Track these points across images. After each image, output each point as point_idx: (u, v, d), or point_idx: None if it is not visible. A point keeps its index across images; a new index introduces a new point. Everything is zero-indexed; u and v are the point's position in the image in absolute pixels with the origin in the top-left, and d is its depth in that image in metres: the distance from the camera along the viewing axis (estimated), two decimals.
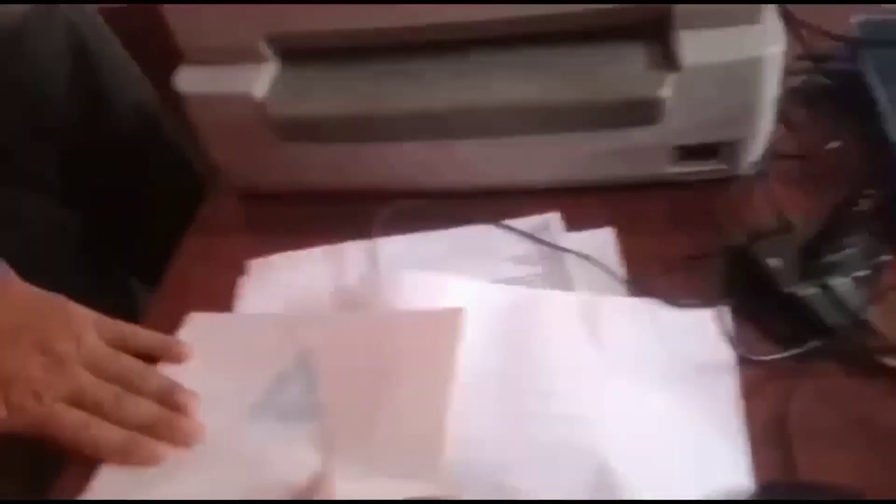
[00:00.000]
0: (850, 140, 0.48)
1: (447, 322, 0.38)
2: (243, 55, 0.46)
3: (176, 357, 0.42)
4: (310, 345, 0.40)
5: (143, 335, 0.43)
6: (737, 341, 0.36)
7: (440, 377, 0.36)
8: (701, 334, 0.37)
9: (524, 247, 0.45)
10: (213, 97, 0.46)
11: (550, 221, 0.46)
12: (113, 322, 0.43)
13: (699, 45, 0.39)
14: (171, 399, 0.39)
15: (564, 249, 0.44)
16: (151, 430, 0.38)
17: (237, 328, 0.44)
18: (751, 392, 0.35)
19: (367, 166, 0.48)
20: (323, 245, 0.47)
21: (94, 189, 0.70)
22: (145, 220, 0.76)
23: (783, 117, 0.49)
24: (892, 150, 0.44)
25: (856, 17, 0.54)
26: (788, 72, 0.52)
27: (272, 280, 0.46)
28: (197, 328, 0.43)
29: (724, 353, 0.36)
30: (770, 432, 0.33)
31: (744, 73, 0.39)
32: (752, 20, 0.40)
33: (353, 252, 0.46)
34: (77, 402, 0.39)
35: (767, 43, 0.39)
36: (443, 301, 0.40)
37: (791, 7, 0.61)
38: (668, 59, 0.40)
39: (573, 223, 0.46)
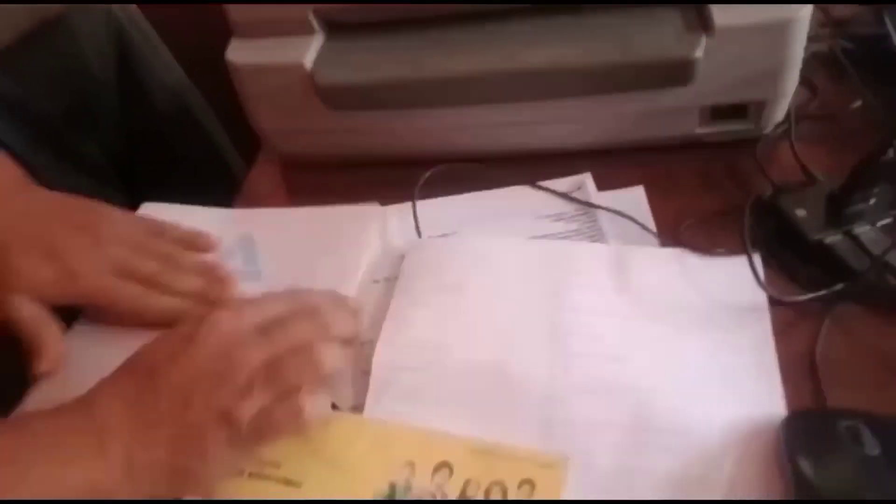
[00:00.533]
0: (873, 100, 0.50)
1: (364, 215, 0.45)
2: (292, 28, 0.48)
3: (203, 247, 0.47)
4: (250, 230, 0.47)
5: (170, 227, 0.47)
6: (767, 285, 0.39)
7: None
8: (732, 279, 0.39)
9: (559, 205, 0.48)
10: (264, 67, 0.48)
11: (585, 181, 0.48)
12: (146, 217, 0.48)
13: (729, 9, 0.41)
14: (212, 273, 0.44)
15: (598, 206, 0.46)
16: (202, 299, 0.42)
17: (186, 216, 0.49)
18: (781, 332, 0.37)
19: (409, 132, 0.50)
20: None
21: (132, 169, 0.74)
22: (181, 199, 0.79)
23: (807, 81, 0.52)
24: None
25: None
26: (811, 37, 0.55)
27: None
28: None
29: (756, 296, 0.38)
30: (800, 367, 0.36)
31: (772, 35, 0.41)
32: None
33: (394, 214, 0.49)
34: (125, 276, 0.43)
35: (794, 6, 0.41)
36: (479, 258, 0.43)
37: None
38: (700, 22, 0.42)
39: (605, 183, 0.48)
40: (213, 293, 0.42)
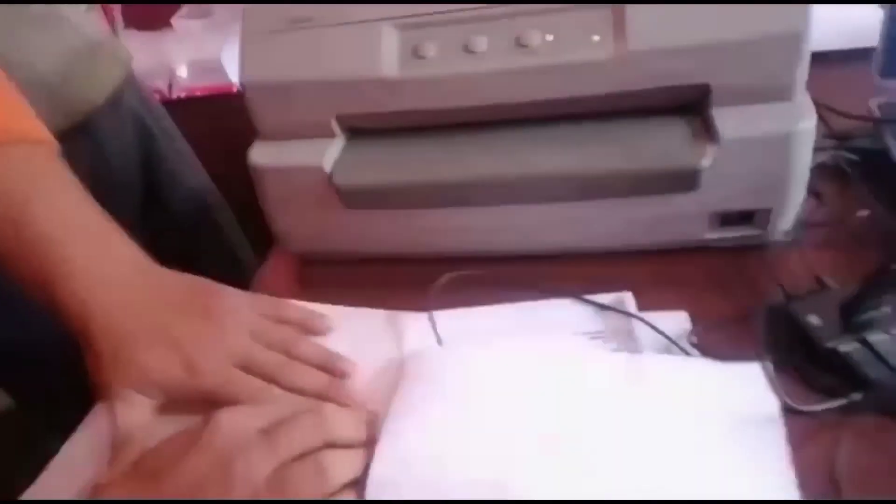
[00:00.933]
0: (879, 208, 0.51)
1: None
2: (314, 132, 0.50)
3: (320, 330, 0.47)
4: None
5: (291, 309, 0.47)
6: (782, 394, 0.38)
7: None
8: (747, 387, 0.39)
9: (595, 322, 0.45)
10: (285, 169, 0.50)
11: (625, 299, 0.46)
12: (264, 297, 0.48)
13: (736, 121, 0.43)
14: (332, 366, 0.43)
15: (643, 321, 0.43)
16: (320, 395, 0.41)
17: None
18: (798, 443, 0.36)
19: (421, 231, 0.51)
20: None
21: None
22: None
23: (813, 190, 0.53)
24: None
25: (874, 100, 0.58)
26: (816, 148, 0.56)
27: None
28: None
29: (771, 404, 0.38)
30: (818, 480, 0.35)
31: (778, 147, 0.43)
32: (785, 98, 0.43)
33: (413, 323, 0.47)
34: (246, 368, 0.42)
35: (799, 119, 0.43)
36: (482, 367, 0.41)
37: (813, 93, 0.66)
38: (707, 133, 0.44)
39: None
40: (331, 393, 0.42)
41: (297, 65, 0.49)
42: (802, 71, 0.42)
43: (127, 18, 1.30)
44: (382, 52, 0.47)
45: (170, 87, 1.17)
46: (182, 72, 1.18)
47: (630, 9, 0.43)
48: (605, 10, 0.44)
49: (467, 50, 0.46)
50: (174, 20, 1.26)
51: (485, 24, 0.46)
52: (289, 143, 0.51)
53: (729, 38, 0.42)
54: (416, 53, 0.47)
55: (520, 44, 0.45)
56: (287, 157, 0.51)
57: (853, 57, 0.65)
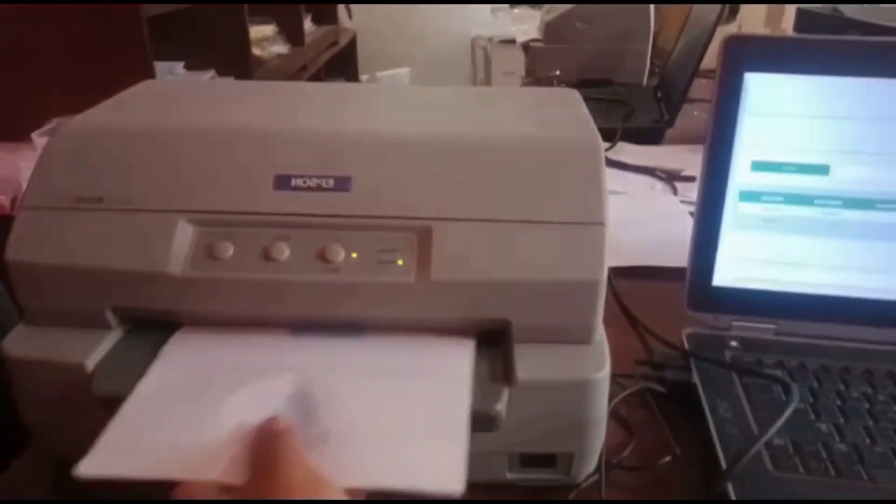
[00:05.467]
0: (686, 448, 0.50)
1: None
2: (85, 322, 0.44)
3: None
4: None
5: None
6: None
7: None
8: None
9: None
10: (39, 363, 0.43)
11: None
12: None
13: (534, 362, 0.41)
14: None
15: None
16: None
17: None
18: None
19: None
20: None
21: None
22: None
23: (623, 422, 0.52)
24: (717, 464, 0.46)
25: (686, 330, 0.59)
26: (628, 376, 0.56)
27: None
28: None
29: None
30: None
31: (573, 393, 0.41)
32: (584, 340, 0.43)
33: None
34: None
35: (594, 367, 0.42)
36: None
37: (637, 312, 0.68)
38: (505, 372, 0.42)
39: None
40: None
41: (72, 249, 0.43)
42: (598, 317, 0.42)
43: None
44: (173, 248, 0.43)
45: (13, 201, 1.12)
46: None
47: (436, 236, 0.42)
48: (410, 234, 0.43)
49: (267, 257, 0.43)
50: (34, 136, 1.22)
51: (290, 231, 0.44)
52: (54, 332, 0.44)
53: (529, 278, 0.41)
54: (211, 253, 0.43)
55: (323, 257, 0.43)
56: (46, 349, 0.44)
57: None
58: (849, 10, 1.16)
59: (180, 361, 0.42)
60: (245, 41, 1.85)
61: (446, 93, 0.59)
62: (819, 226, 0.57)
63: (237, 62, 1.85)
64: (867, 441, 0.48)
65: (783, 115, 0.56)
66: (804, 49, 0.55)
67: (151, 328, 0.45)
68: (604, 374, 0.41)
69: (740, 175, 0.57)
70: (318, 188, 0.44)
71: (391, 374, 0.41)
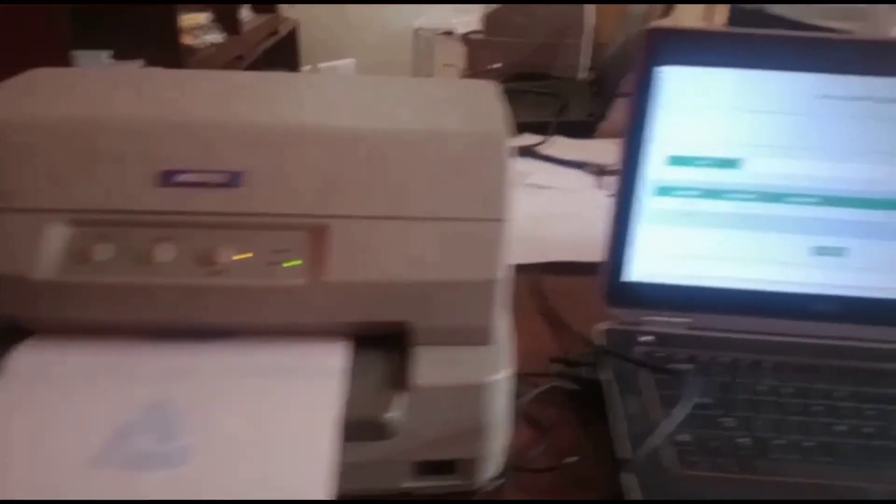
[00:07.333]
0: (596, 448, 0.50)
1: None
2: None
3: None
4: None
5: None
6: None
7: None
8: None
9: None
10: None
11: None
12: None
13: (432, 365, 0.40)
14: None
15: None
16: None
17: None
18: None
19: None
20: None
21: None
22: None
23: (534, 422, 0.51)
24: (618, 465, 0.45)
25: (601, 325, 0.59)
26: (541, 374, 0.55)
27: None
28: None
29: None
30: None
31: (467, 398, 0.40)
32: (482, 342, 0.41)
33: None
34: None
35: (493, 368, 0.40)
36: None
37: (561, 308, 0.67)
38: (401, 376, 0.40)
39: None
40: None
41: None
42: (498, 317, 0.41)
43: None
44: (41, 250, 0.39)
45: None
46: None
47: (331, 235, 0.40)
48: (304, 233, 0.41)
49: (147, 259, 0.40)
50: None
51: (174, 231, 0.41)
52: None
53: (424, 278, 0.40)
54: (85, 256, 0.40)
55: (209, 260, 0.40)
56: None
57: None
58: (778, 10, 1.17)
59: (24, 373, 0.39)
60: (174, 29, 1.79)
61: (356, 83, 0.57)
62: (732, 220, 0.57)
63: (167, 51, 1.79)
64: (772, 434, 0.48)
65: (697, 108, 0.55)
66: (718, 42, 0.55)
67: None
68: (501, 376, 0.40)
69: (656, 169, 0.56)
70: (206, 184, 0.42)
71: (258, 378, 0.38)
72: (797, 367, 0.54)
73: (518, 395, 0.50)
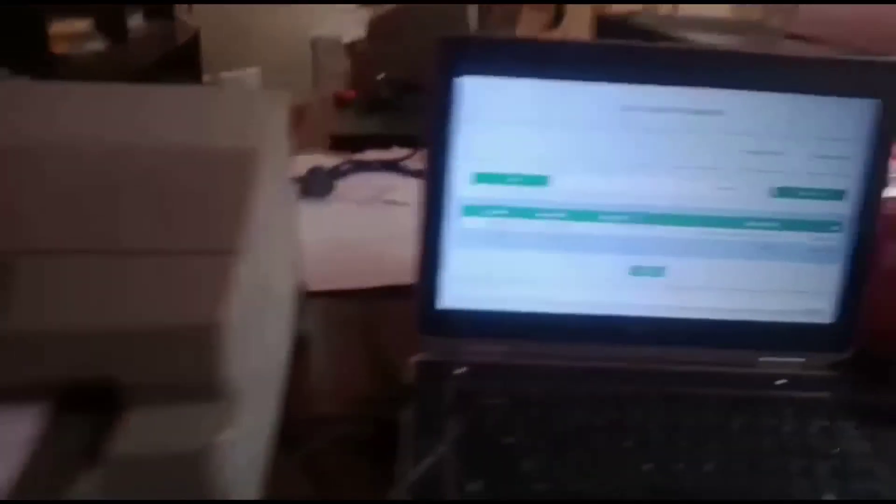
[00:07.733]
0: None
1: None
2: None
3: None
4: None
5: None
6: None
7: None
8: None
9: None
10: None
11: None
12: None
13: (138, 430, 0.34)
14: None
15: None
16: None
17: None
18: None
19: None
20: None
21: None
22: None
23: (315, 475, 0.46)
24: None
25: (415, 357, 0.54)
26: (340, 418, 0.50)
27: None
28: None
29: None
30: None
31: (187, 466, 0.34)
32: (213, 398, 0.35)
33: None
34: None
35: (217, 429, 0.34)
36: None
37: (394, 336, 0.62)
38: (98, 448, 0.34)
39: None
40: None
41: None
42: (228, 368, 0.35)
43: None
44: None
45: None
46: None
47: (15, 275, 0.34)
48: None
49: None
50: None
51: None
52: None
53: (133, 324, 0.34)
54: None
55: None
56: None
57: None
58: (646, 22, 1.17)
59: None
60: (41, 37, 1.67)
61: (120, 93, 0.50)
62: (545, 240, 0.53)
63: (34, 60, 1.67)
64: (574, 478, 0.44)
65: (502, 122, 0.51)
66: (518, 51, 0.51)
67: None
68: (226, 437, 0.34)
69: (461, 188, 0.52)
70: None
71: None
72: (610, 398, 0.51)
73: (297, 447, 0.45)
